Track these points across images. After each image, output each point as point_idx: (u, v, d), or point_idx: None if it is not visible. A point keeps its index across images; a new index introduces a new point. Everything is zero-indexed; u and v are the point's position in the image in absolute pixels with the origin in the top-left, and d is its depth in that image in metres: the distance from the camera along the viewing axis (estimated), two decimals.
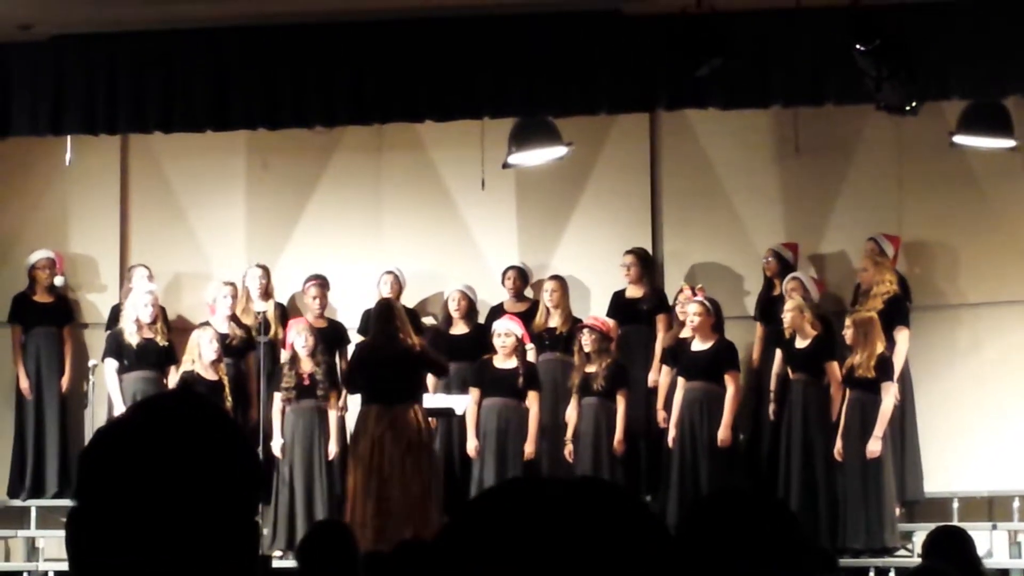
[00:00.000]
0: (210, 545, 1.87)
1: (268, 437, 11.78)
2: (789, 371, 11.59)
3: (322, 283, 12.54)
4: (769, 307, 12.15)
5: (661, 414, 11.80)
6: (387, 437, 10.97)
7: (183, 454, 1.88)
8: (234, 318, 12.35)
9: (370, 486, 10.98)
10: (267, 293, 12.54)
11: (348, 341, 12.38)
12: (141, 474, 1.86)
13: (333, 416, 11.83)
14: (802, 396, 11.44)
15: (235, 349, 12.25)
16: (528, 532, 1.63)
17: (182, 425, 1.90)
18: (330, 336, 12.31)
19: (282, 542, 11.52)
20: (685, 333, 11.81)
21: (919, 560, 9.67)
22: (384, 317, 11.34)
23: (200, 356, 11.80)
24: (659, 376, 11.99)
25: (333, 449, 11.74)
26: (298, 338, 11.84)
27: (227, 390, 11.75)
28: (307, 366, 11.83)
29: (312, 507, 11.61)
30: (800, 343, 11.49)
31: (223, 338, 12.05)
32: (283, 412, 11.83)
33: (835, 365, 11.39)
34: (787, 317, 11.49)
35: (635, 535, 1.65)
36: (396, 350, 11.14)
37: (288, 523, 11.59)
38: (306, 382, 11.80)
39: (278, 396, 11.84)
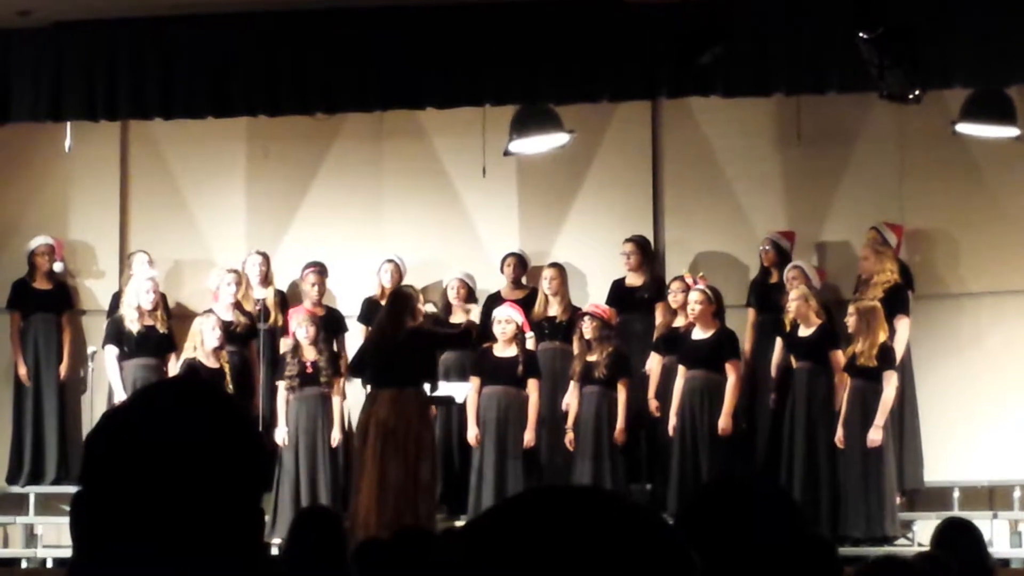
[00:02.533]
0: (215, 530, 1.86)
1: (270, 425, 11.77)
2: (792, 360, 11.57)
3: (320, 270, 12.52)
4: (765, 295, 12.12)
5: (653, 402, 11.78)
6: (389, 422, 10.96)
7: (189, 439, 1.87)
8: (238, 305, 12.33)
9: (372, 472, 10.96)
10: (267, 280, 12.53)
11: (346, 329, 12.38)
12: (147, 459, 1.85)
13: (337, 403, 11.83)
14: (806, 385, 11.41)
15: (238, 336, 12.22)
16: (541, 545, 1.59)
17: (188, 410, 1.89)
18: (328, 323, 12.30)
19: (284, 530, 11.48)
20: (678, 321, 11.80)
21: (919, 549, 9.68)
22: (397, 304, 11.31)
23: (202, 343, 11.78)
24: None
25: (336, 436, 11.74)
26: (299, 328, 11.83)
27: (228, 378, 11.74)
28: (310, 354, 11.83)
29: (316, 495, 11.60)
30: (804, 332, 11.47)
31: (227, 325, 12.03)
32: (287, 401, 11.82)
33: (839, 353, 11.36)
34: (792, 306, 11.46)
35: (655, 554, 1.61)
36: (403, 335, 11.11)
37: (292, 511, 11.56)
38: (309, 370, 11.79)
39: (281, 385, 11.84)
